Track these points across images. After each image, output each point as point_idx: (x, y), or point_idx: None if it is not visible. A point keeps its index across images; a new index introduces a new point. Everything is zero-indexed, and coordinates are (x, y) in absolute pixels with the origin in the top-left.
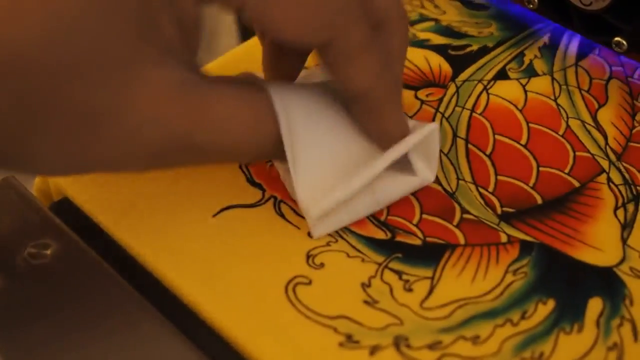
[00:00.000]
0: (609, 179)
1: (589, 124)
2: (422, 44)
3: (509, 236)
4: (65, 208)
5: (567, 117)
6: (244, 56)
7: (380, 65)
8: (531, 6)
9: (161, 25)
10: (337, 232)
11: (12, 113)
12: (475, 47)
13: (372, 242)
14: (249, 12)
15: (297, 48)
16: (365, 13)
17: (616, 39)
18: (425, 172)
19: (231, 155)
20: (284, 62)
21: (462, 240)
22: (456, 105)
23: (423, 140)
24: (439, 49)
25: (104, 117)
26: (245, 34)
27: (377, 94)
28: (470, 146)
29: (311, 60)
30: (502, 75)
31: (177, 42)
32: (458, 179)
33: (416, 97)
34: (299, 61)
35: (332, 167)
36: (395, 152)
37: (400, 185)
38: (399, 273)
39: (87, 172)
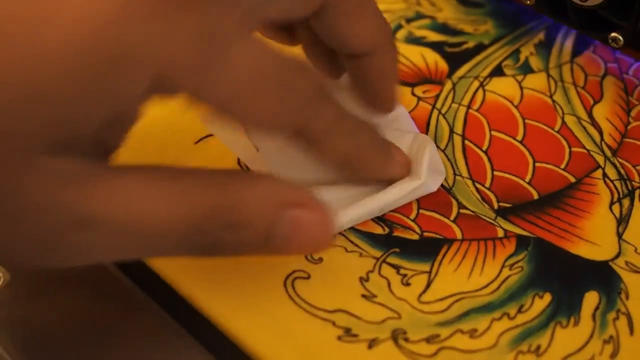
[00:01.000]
0: (605, 175)
1: (585, 120)
2: (418, 41)
3: (505, 231)
4: None
5: (563, 114)
6: None
7: (355, 133)
8: (529, 2)
9: (78, 119)
10: None
11: None
12: (471, 44)
13: (370, 237)
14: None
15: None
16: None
17: (612, 34)
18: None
19: (144, 236)
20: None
21: (459, 235)
22: (452, 101)
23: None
24: (435, 46)
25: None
26: None
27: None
28: (466, 142)
29: None
30: (498, 72)
31: (89, 134)
32: (455, 174)
33: (413, 94)
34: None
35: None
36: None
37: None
38: (396, 267)
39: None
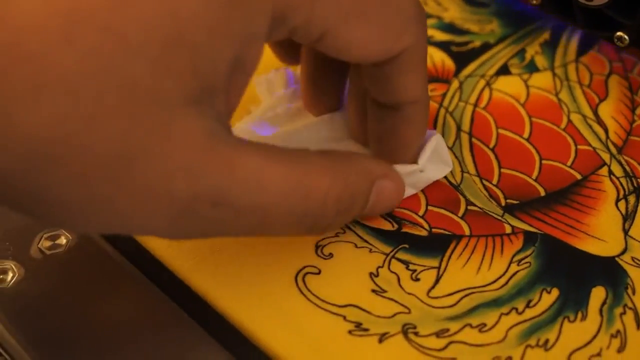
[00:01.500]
0: (610, 172)
1: (590, 118)
2: None
3: (513, 227)
4: None
5: (569, 112)
6: None
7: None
8: (535, 2)
9: (210, 63)
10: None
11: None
12: (477, 44)
13: (379, 233)
14: (330, 40)
15: (361, 62)
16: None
17: (618, 33)
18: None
19: (266, 216)
20: (326, 79)
21: (467, 231)
22: (459, 100)
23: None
24: (442, 45)
25: (134, 162)
26: None
27: (426, 101)
28: (474, 140)
29: None
30: (504, 70)
31: (220, 84)
32: (462, 171)
33: None
34: (341, 76)
35: None
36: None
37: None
38: (406, 263)
39: (108, 229)
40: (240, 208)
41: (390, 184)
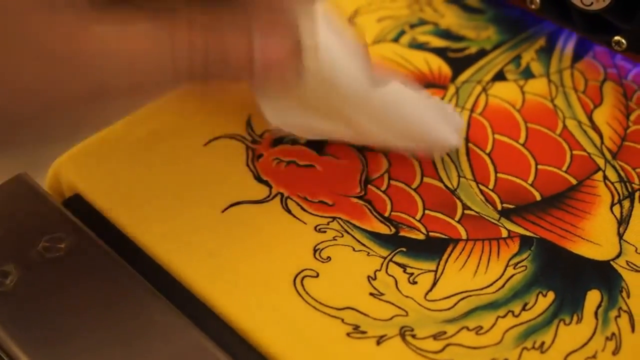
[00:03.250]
0: (605, 177)
1: (585, 124)
2: (422, 47)
3: (509, 231)
4: (78, 204)
5: (564, 118)
6: None
7: None
8: (533, 6)
9: None
10: (342, 227)
11: None
12: (473, 50)
13: (376, 237)
14: None
15: None
16: None
17: (616, 38)
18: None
19: (133, 62)
20: None
21: (464, 235)
22: (456, 105)
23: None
24: (439, 52)
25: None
26: None
27: None
28: (470, 145)
29: None
30: (500, 76)
31: None
32: (459, 176)
33: None
34: None
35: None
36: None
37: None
38: (403, 266)
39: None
40: (110, 52)
41: (279, 42)
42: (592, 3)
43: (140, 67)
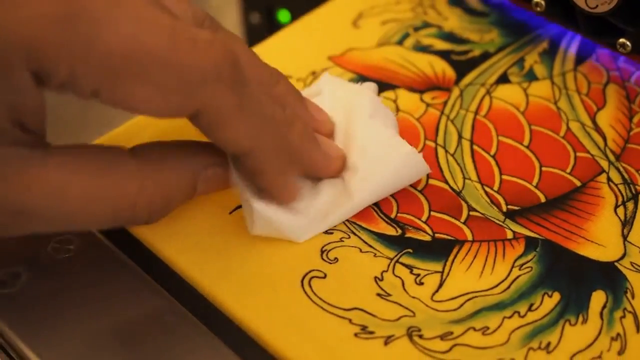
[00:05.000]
0: (609, 179)
1: (589, 126)
2: (426, 50)
3: (514, 233)
4: None
5: (567, 120)
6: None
7: (260, 125)
8: (539, 9)
9: None
10: (349, 228)
11: None
12: (477, 53)
13: (383, 238)
14: (106, 95)
15: (153, 116)
16: (237, 72)
17: (620, 40)
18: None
19: (70, 221)
20: None
21: (469, 237)
22: (460, 108)
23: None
24: (443, 54)
25: None
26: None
27: (260, 154)
28: (475, 147)
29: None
30: (503, 79)
31: (6, 125)
32: (464, 178)
33: (422, 100)
34: None
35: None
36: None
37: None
38: (410, 267)
39: None
40: (42, 216)
41: (216, 171)
42: (597, 6)
43: (77, 222)
